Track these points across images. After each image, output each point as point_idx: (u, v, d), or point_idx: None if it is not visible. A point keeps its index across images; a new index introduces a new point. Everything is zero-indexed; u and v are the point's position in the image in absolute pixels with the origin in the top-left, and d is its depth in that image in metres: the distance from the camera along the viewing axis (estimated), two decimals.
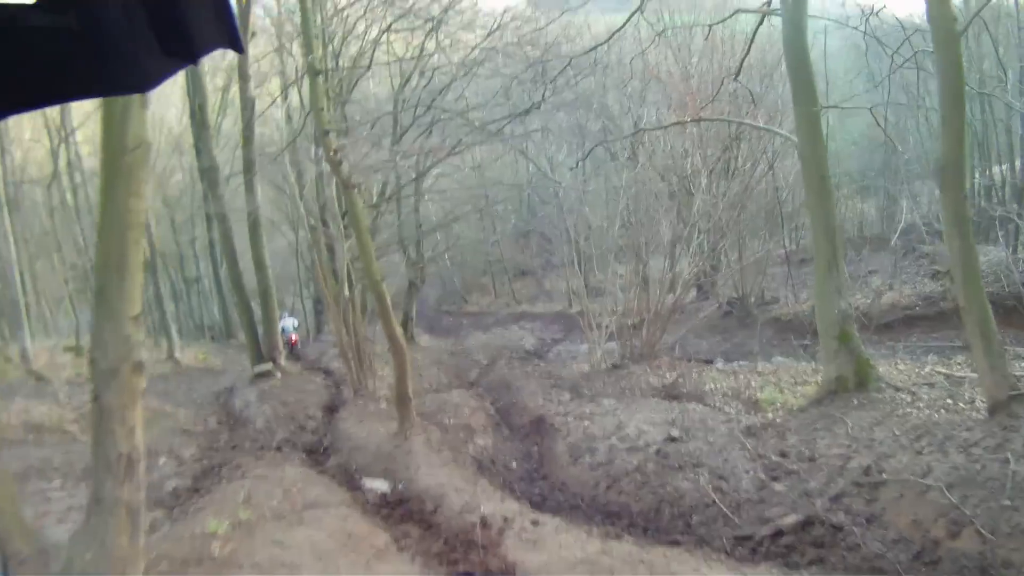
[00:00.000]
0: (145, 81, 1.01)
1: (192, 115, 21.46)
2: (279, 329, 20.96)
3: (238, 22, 1.03)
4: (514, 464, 11.57)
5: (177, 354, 25.26)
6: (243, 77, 19.92)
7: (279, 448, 12.59)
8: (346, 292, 16.72)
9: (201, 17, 0.89)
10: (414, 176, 21.10)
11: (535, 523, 7.50)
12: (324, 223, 18.79)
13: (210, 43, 0.93)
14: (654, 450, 9.56)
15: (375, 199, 18.89)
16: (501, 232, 31.75)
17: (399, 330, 11.28)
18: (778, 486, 7.75)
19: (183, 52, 0.92)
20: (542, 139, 24.26)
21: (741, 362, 16.06)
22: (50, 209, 31.34)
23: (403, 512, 8.83)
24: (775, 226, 22.68)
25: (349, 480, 10.51)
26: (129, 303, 5.49)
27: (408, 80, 20.59)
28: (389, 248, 20.73)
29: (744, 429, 9.69)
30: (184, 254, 39.04)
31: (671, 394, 13.12)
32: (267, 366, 19.43)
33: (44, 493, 10.44)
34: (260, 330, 20.64)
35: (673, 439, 9.72)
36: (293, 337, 26.62)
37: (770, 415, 10.85)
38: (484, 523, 7.43)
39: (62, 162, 29.32)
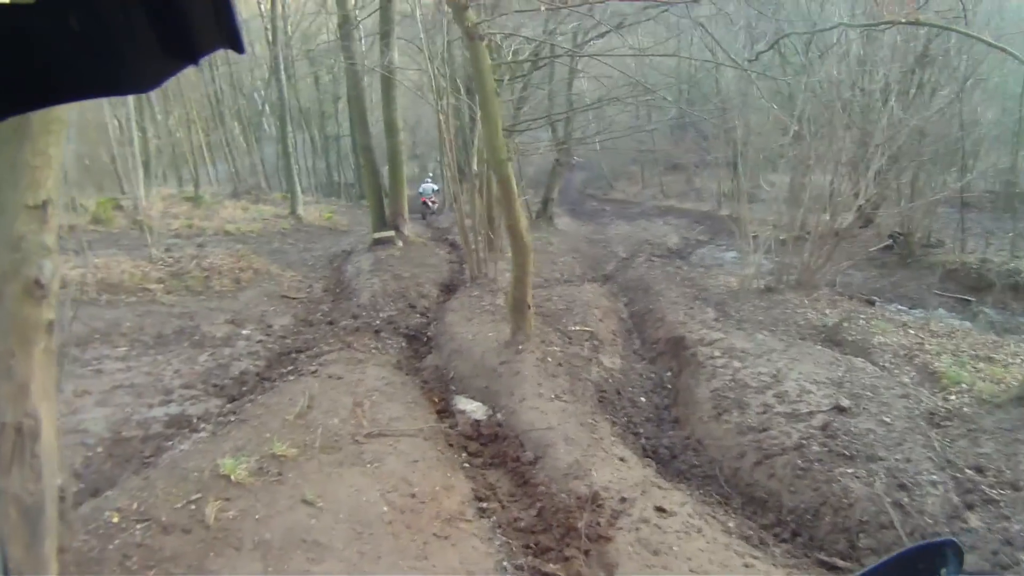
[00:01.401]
0: (145, 82, 0.96)
1: None
2: (405, 195, 19.19)
3: (239, 21, 0.88)
4: (643, 399, 9.32)
5: (300, 210, 24.31)
6: None
7: (378, 331, 10.83)
8: (475, 166, 14.55)
9: (202, 17, 0.85)
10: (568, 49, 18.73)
11: (661, 512, 5.30)
12: (459, 89, 16.54)
13: (211, 43, 0.89)
14: (819, 423, 7.18)
15: (525, 68, 16.32)
16: (657, 121, 29.46)
17: (524, 222, 8.84)
18: (973, 518, 5.66)
19: (184, 52, 0.89)
20: (710, 26, 21.25)
21: (900, 306, 14.58)
22: None
23: (495, 454, 6.87)
24: (953, 161, 19.32)
25: (441, 392, 8.72)
26: (26, 185, 3.24)
27: None
28: (536, 123, 18.59)
29: (926, 414, 7.56)
30: (326, 111, 38.42)
31: (833, 339, 10.69)
32: (388, 233, 18.00)
33: (100, 363, 9.18)
34: (388, 198, 19.25)
35: (842, 409, 7.36)
36: (432, 200, 26.50)
37: (954, 399, 8.36)
38: (595, 501, 5.32)
39: None
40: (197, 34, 0.87)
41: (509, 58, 14.27)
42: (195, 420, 7.67)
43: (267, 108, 36.24)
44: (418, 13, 15.79)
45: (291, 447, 5.69)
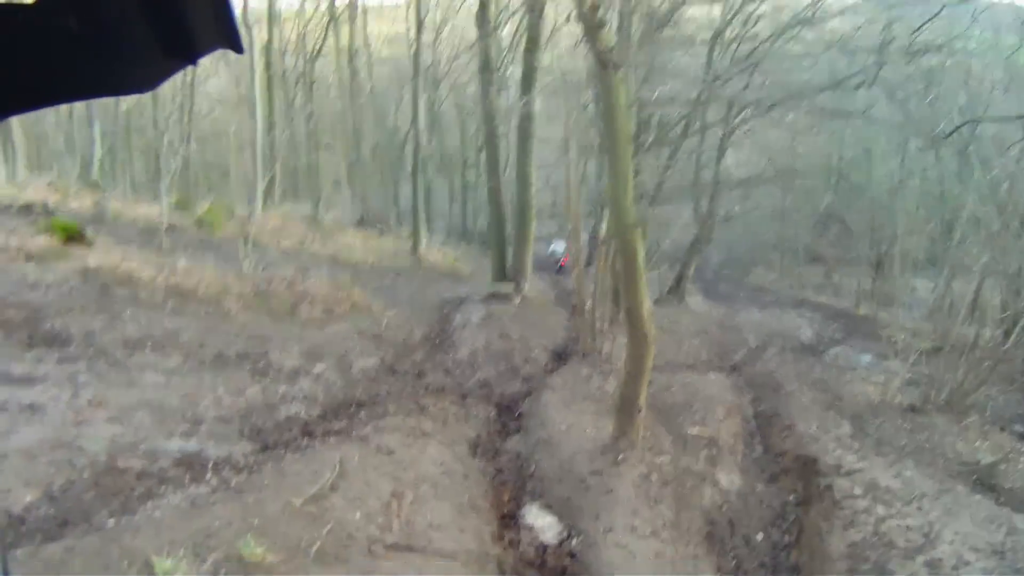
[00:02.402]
0: (145, 81, 1.00)
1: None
2: (530, 249, 17.76)
3: (238, 22, 0.97)
4: (759, 536, 7.20)
5: (422, 250, 23.33)
6: None
7: (465, 395, 9.24)
8: (603, 229, 12.77)
9: (201, 18, 0.88)
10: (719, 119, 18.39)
11: None
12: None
13: (210, 44, 0.92)
14: None
15: (675, 128, 15.01)
16: (801, 209, 28.66)
17: (647, 307, 6.81)
18: None
19: (183, 52, 0.92)
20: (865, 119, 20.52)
21: None
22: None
23: None
24: None
25: (514, 490, 6.93)
26: None
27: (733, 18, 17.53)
28: (680, 194, 17.23)
29: None
30: (468, 159, 38.07)
31: (987, 482, 8.76)
32: (506, 288, 16.64)
33: (140, 372, 8.00)
34: (511, 248, 17.90)
35: None
36: (560, 260, 26.76)
37: None
38: None
39: None
40: (196, 34, 0.87)
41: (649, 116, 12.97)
42: (209, 466, 6.20)
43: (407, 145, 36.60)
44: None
45: (273, 549, 4.04)
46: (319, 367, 9.76)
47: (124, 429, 6.62)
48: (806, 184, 28.05)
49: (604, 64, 6.50)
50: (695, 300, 22.56)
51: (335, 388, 8.86)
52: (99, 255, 11.00)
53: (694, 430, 8.81)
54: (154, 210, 16.86)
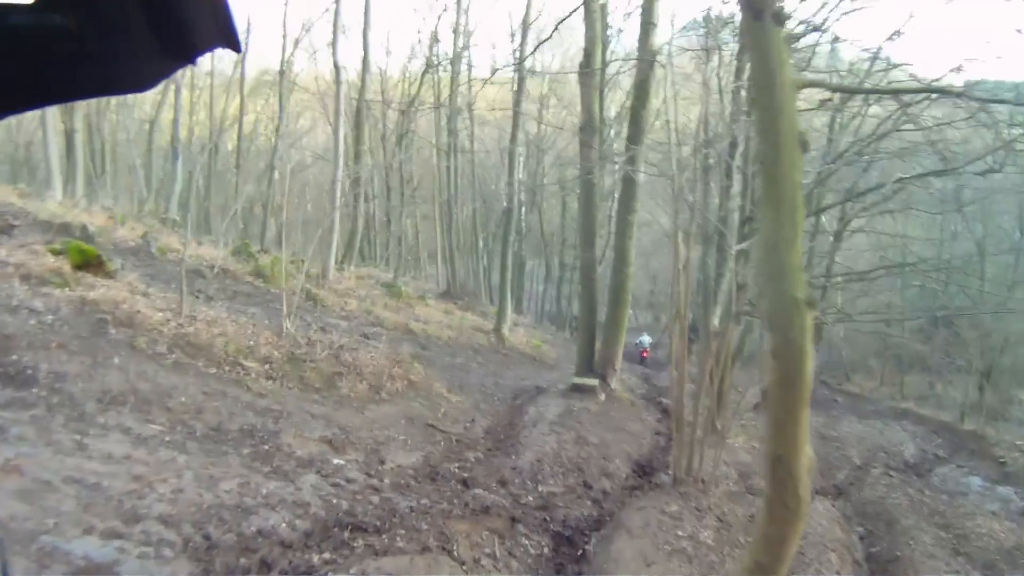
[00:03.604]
0: (143, 81, 0.99)
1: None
2: (622, 338, 15.56)
3: (236, 21, 0.93)
4: None
5: (505, 330, 21.45)
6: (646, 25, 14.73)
7: (515, 520, 7.01)
8: (715, 322, 10.35)
9: (200, 17, 0.89)
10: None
11: None
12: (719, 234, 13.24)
13: (209, 43, 0.94)
14: None
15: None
16: (908, 311, 26.51)
17: (807, 454, 4.24)
18: None
19: (182, 52, 0.92)
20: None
21: None
22: None
23: None
24: None
25: None
26: None
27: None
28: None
29: None
30: (567, 239, 36.92)
31: None
32: (591, 381, 14.37)
33: (101, 434, 6.29)
34: (600, 338, 15.70)
35: None
36: (646, 351, 26.90)
37: None
38: None
39: None
40: (194, 34, 0.88)
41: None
42: None
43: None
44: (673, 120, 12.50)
45: None
46: (340, 460, 7.77)
47: (25, 510, 4.75)
48: (917, 283, 26.20)
49: (757, 11, 4.13)
50: None
51: (344, 494, 6.72)
52: (108, 288, 9.42)
53: None
54: (213, 252, 15.60)
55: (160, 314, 9.28)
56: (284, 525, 5.64)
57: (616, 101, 26.66)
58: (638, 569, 5.85)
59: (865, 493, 12.46)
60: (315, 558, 5.15)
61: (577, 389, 13.96)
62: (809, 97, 10.93)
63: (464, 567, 5.43)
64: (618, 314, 15.33)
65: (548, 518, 7.42)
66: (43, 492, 5.06)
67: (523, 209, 33.67)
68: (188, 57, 0.92)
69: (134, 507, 5.25)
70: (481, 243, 34.86)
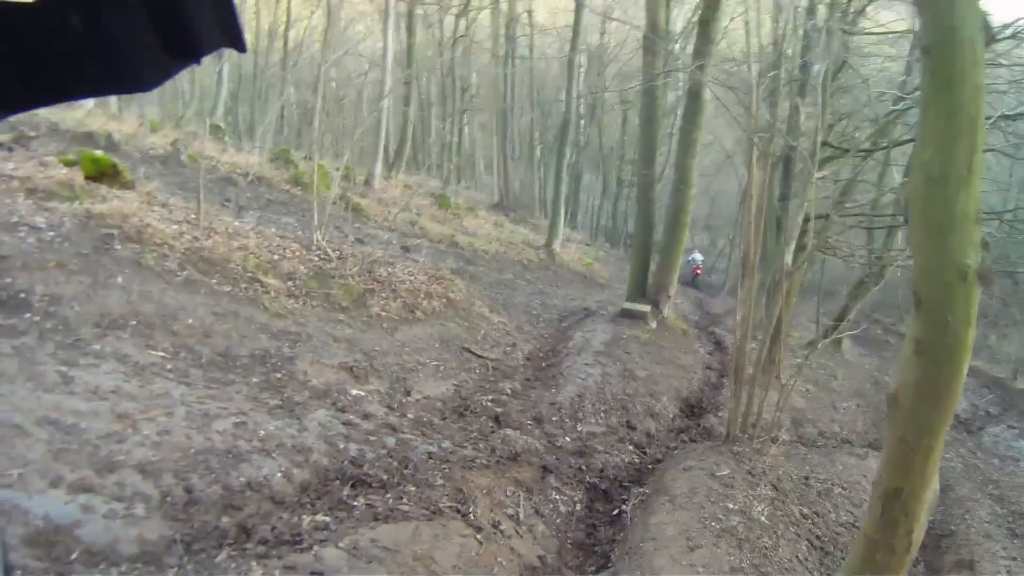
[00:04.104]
0: (147, 80, 0.93)
1: None
2: (679, 262, 14.58)
3: (241, 21, 0.92)
4: None
5: (556, 245, 20.53)
6: None
7: (546, 468, 6.27)
8: (788, 258, 8.93)
9: (204, 16, 0.87)
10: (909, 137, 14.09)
11: None
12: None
13: (213, 42, 0.91)
14: None
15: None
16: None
17: (933, 491, 3.17)
18: None
19: (185, 51, 0.90)
20: None
21: None
22: None
23: None
24: None
25: None
26: None
27: None
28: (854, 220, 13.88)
29: None
30: (626, 155, 35.21)
31: None
32: (643, 307, 13.49)
33: (94, 363, 5.57)
34: (655, 262, 14.69)
35: None
36: (698, 269, 26.37)
37: None
38: None
39: None
40: (200, 33, 0.86)
41: None
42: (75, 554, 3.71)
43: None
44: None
45: None
46: (359, 391, 7.06)
47: None
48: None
49: None
50: (848, 347, 18.91)
51: (355, 436, 5.98)
52: (121, 200, 8.69)
53: None
54: (250, 159, 14.85)
55: (175, 227, 8.54)
56: (279, 475, 4.95)
57: (682, 16, 24.75)
58: (679, 554, 4.96)
59: None
60: (305, 521, 4.44)
61: (627, 315, 13.13)
62: None
63: (479, 535, 4.66)
64: (676, 237, 14.21)
65: (584, 466, 6.66)
66: (12, 437, 4.42)
67: (582, 122, 32.18)
68: (192, 57, 0.88)
69: (111, 453, 4.59)
70: (538, 154, 33.58)
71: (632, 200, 33.08)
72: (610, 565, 5.13)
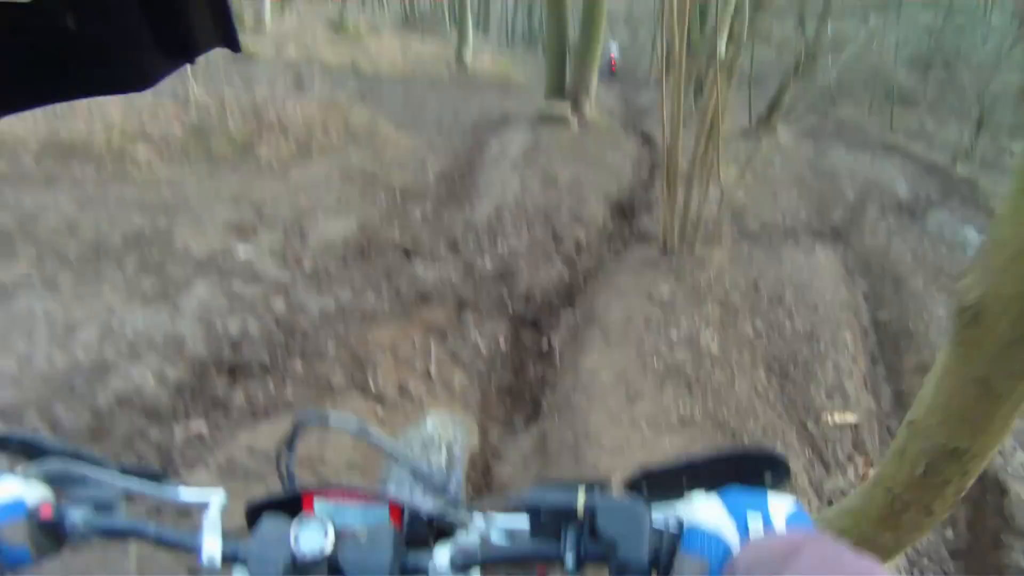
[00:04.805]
0: (142, 80, 0.91)
1: None
2: (597, 58, 13.24)
3: (235, 20, 0.89)
4: None
5: (467, 56, 18.84)
6: None
7: (463, 303, 5.50)
8: (720, 47, 7.55)
9: (199, 16, 0.84)
10: None
11: None
12: None
13: (208, 42, 0.88)
14: None
15: None
16: (901, 44, 23.61)
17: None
18: None
19: (181, 52, 0.87)
20: None
21: None
22: None
23: None
24: None
25: None
26: None
27: None
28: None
29: None
30: None
31: None
32: (562, 106, 12.42)
33: None
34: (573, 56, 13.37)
35: None
36: (613, 58, 23.98)
37: None
38: None
39: None
40: (194, 34, 0.84)
41: None
42: None
43: None
44: None
45: None
46: (247, 250, 6.06)
47: None
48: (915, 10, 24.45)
49: None
50: (783, 133, 18.00)
51: (238, 308, 5.03)
52: None
53: (834, 417, 4.77)
54: None
55: (31, 120, 7.13)
56: (151, 381, 4.09)
57: None
58: (618, 408, 4.16)
59: (866, 241, 10.76)
60: (178, 435, 3.65)
61: (547, 117, 12.03)
62: None
63: (381, 407, 3.92)
64: (592, 33, 12.74)
65: (507, 293, 5.87)
66: None
67: None
68: (187, 57, 0.84)
69: None
70: None
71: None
72: (540, 416, 4.43)
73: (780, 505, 0.84)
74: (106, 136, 7.22)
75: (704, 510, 0.84)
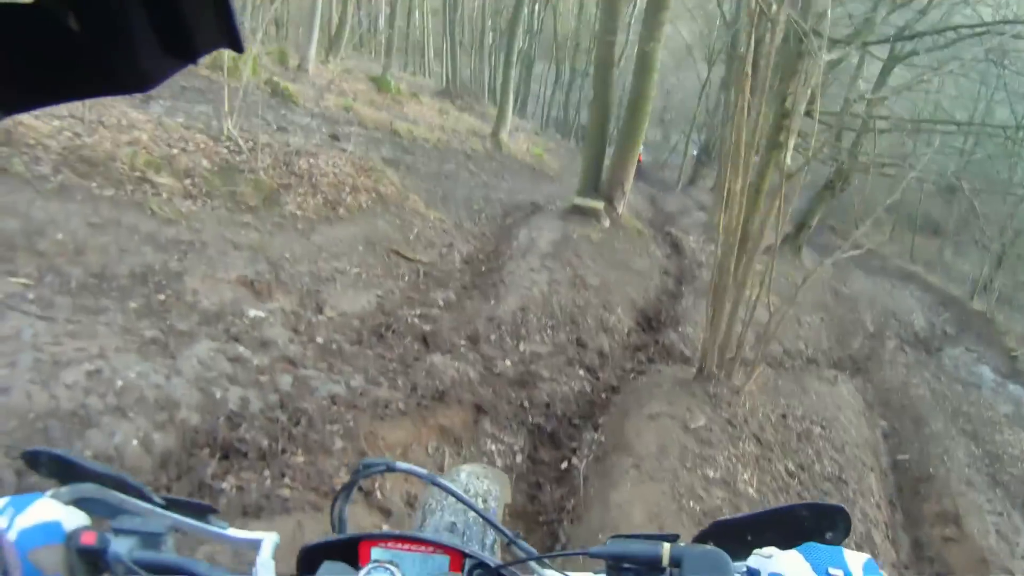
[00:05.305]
0: (144, 81, 0.75)
1: None
2: (636, 156, 13.52)
3: (238, 21, 0.76)
4: None
5: (504, 135, 19.00)
6: None
7: (480, 408, 5.17)
8: (787, 157, 7.46)
9: (202, 16, 0.73)
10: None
11: None
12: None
13: (211, 42, 0.75)
14: None
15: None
16: (926, 169, 23.58)
17: None
18: None
19: (183, 52, 0.74)
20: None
21: None
22: None
23: None
24: None
25: None
26: None
27: None
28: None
29: None
30: (581, 43, 33.78)
31: None
32: (596, 203, 12.36)
33: None
34: (611, 153, 13.47)
35: None
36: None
37: None
38: None
39: None
40: (197, 34, 0.74)
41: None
42: None
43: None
44: None
45: None
46: (258, 311, 5.78)
47: None
48: (945, 141, 23.81)
49: None
50: (807, 253, 18.53)
51: (241, 377, 4.68)
52: None
53: None
54: None
55: (57, 123, 6.95)
56: (134, 444, 3.73)
57: None
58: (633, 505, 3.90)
59: (885, 372, 10.86)
60: None
61: (578, 211, 11.98)
62: None
63: (387, 523, 3.55)
64: (634, 126, 12.85)
65: (527, 401, 5.56)
66: None
67: (536, 5, 30.07)
68: (190, 57, 0.72)
69: None
70: (489, 40, 31.46)
71: (586, 90, 31.55)
72: (559, 545, 4.05)
73: (857, 560, 0.91)
74: (130, 157, 7.00)
75: (787, 564, 0.90)
